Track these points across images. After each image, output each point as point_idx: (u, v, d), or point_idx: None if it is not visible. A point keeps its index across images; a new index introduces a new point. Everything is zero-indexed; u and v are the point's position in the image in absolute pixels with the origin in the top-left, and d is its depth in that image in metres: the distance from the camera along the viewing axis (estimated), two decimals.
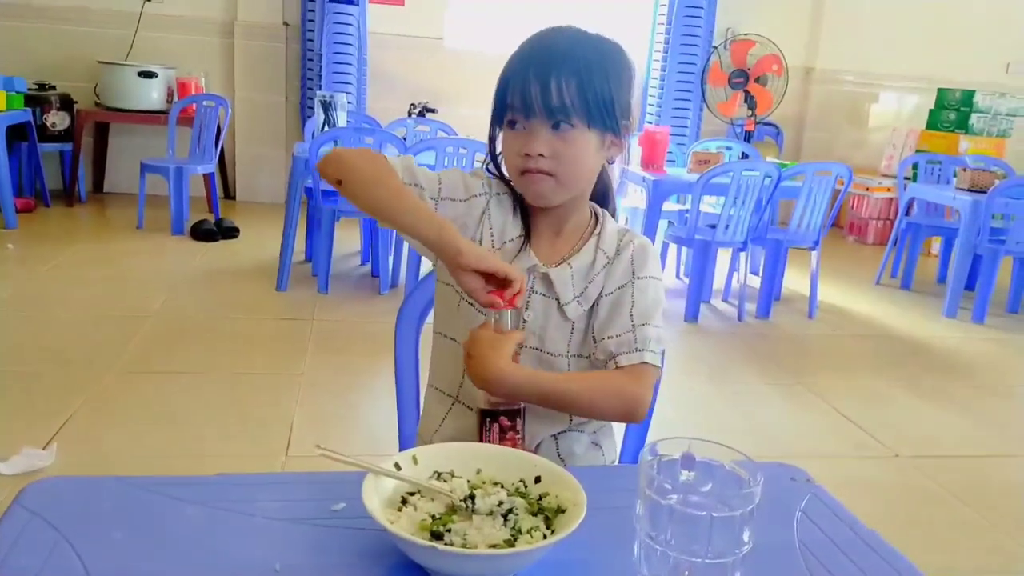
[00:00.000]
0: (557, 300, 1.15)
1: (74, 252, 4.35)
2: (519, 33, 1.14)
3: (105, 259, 4.34)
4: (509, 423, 1.04)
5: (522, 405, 1.07)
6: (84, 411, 2.54)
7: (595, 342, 1.14)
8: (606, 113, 1.08)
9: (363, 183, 1.06)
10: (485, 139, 1.19)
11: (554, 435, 1.18)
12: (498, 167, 1.19)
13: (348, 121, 4.17)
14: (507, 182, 1.18)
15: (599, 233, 1.17)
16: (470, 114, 5.24)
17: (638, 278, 1.15)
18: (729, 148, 4.99)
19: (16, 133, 4.91)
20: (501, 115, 1.11)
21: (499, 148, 1.16)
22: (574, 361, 1.17)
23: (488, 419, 1.04)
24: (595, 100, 1.06)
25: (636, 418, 1.10)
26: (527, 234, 1.16)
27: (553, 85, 1.04)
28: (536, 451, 1.16)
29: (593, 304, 1.15)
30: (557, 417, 1.17)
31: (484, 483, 0.85)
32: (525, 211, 1.18)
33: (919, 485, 2.55)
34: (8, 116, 4.63)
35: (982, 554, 2.21)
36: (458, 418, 1.20)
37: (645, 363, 1.10)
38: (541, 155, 1.07)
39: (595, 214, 1.20)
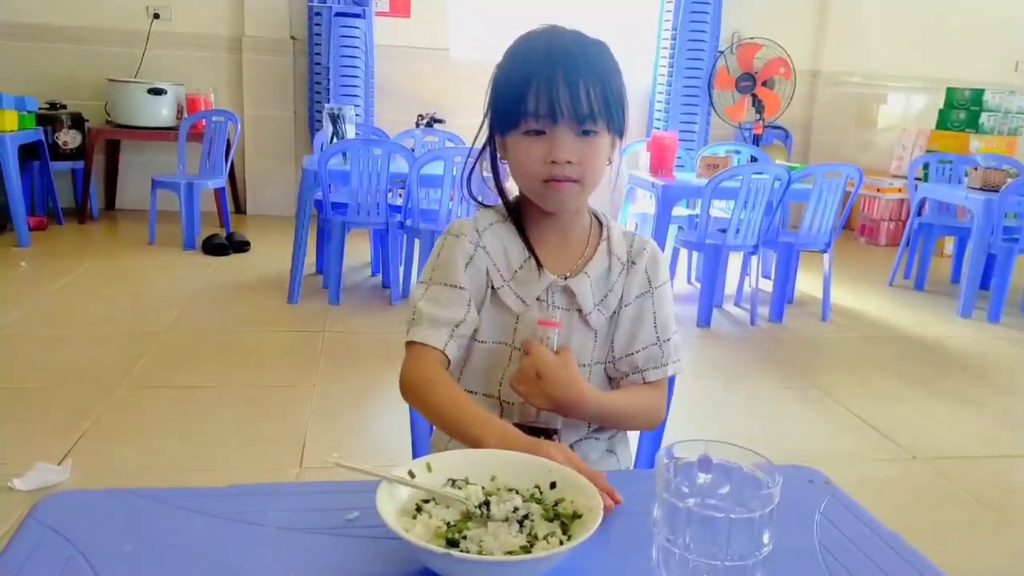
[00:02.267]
0: (579, 311, 1.14)
1: (87, 269, 4.38)
2: None
3: (118, 275, 4.36)
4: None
5: (560, 425, 1.09)
6: (98, 426, 2.55)
7: (616, 353, 1.15)
8: (622, 115, 1.08)
9: (428, 414, 1.10)
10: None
11: (571, 444, 1.18)
12: (499, 183, 1.17)
13: (356, 133, 4.18)
14: (503, 203, 1.17)
15: (607, 238, 1.17)
16: (477, 124, 5.26)
17: (656, 288, 1.16)
18: (738, 152, 4.98)
19: (28, 152, 4.95)
20: (512, 122, 1.07)
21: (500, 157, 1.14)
22: (596, 369, 1.16)
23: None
24: (616, 103, 1.07)
25: (655, 427, 1.19)
26: (532, 251, 1.15)
27: (582, 91, 1.03)
28: None
29: (613, 312, 1.15)
30: (576, 425, 1.16)
31: (499, 489, 0.85)
32: (521, 226, 1.16)
33: (936, 486, 2.53)
34: (20, 135, 4.68)
35: (1001, 555, 2.18)
36: None
37: (665, 378, 1.16)
38: (569, 162, 1.05)
39: (596, 217, 1.20)
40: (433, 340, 1.09)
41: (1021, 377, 3.65)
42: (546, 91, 1.03)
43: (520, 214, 1.17)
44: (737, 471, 0.73)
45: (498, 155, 1.15)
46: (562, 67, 1.03)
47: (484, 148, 1.16)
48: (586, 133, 1.05)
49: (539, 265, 1.14)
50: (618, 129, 1.09)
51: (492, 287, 1.14)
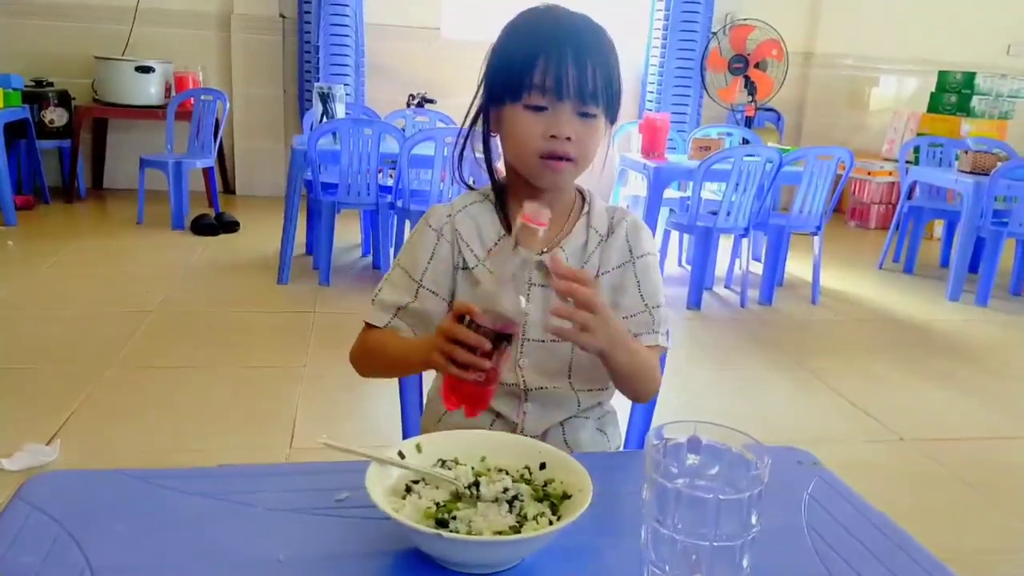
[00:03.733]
0: None
1: (74, 248, 4.35)
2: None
3: (106, 255, 4.34)
4: (507, 347, 0.94)
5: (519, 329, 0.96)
6: (87, 407, 2.54)
7: None
8: (618, 103, 1.09)
9: (371, 368, 1.18)
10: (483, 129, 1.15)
11: (560, 422, 1.18)
12: (489, 163, 1.16)
13: (346, 113, 4.15)
14: (491, 182, 1.17)
15: (588, 212, 1.17)
16: (468, 104, 5.23)
17: (637, 257, 1.16)
18: (730, 134, 4.97)
19: (14, 130, 4.90)
20: (514, 93, 1.06)
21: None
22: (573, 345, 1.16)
23: (504, 342, 0.92)
24: (615, 88, 1.07)
25: (652, 395, 1.16)
26: (508, 229, 1.14)
27: (588, 71, 1.03)
28: (544, 439, 1.16)
29: None
30: (564, 404, 1.17)
31: (489, 470, 0.85)
32: (504, 202, 1.16)
33: (924, 468, 2.55)
34: (6, 113, 4.62)
35: (988, 536, 2.20)
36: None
37: (658, 345, 1.14)
38: (568, 139, 1.05)
39: (580, 193, 1.19)
40: (376, 320, 1.16)
41: (1008, 359, 3.67)
42: (555, 66, 1.03)
43: (504, 191, 1.17)
44: (726, 452, 0.73)
45: (491, 128, 1.14)
46: (572, 45, 1.03)
47: (475, 119, 1.15)
48: (585, 116, 1.06)
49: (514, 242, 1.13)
50: (612, 116, 1.10)
51: (466, 267, 1.14)
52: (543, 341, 1.14)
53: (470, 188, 1.21)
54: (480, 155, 1.17)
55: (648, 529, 0.71)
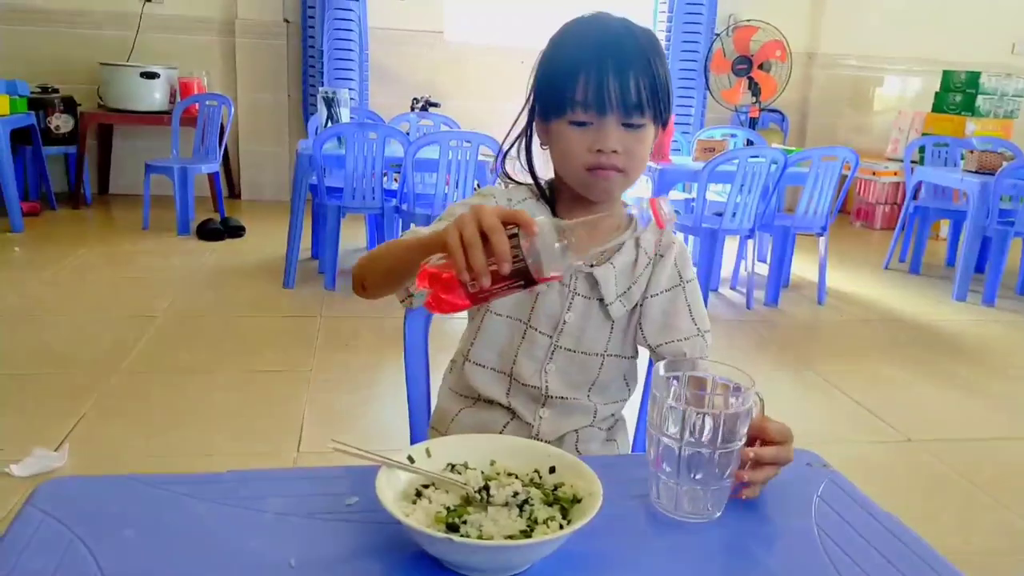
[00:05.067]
0: (600, 300, 1.13)
1: (81, 254, 4.36)
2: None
3: (112, 260, 4.35)
4: (516, 287, 0.85)
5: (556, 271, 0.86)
6: (95, 412, 2.54)
7: (652, 342, 1.15)
8: (668, 106, 1.07)
9: (375, 270, 1.06)
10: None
11: (576, 430, 1.18)
12: (531, 165, 1.15)
13: (351, 117, 4.16)
14: (535, 184, 1.16)
15: (636, 231, 1.14)
16: (473, 107, 5.23)
17: (687, 282, 1.17)
18: (734, 135, 4.97)
19: (20, 137, 4.92)
20: (558, 109, 1.05)
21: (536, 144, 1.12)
22: (608, 361, 1.16)
23: (520, 280, 0.83)
24: (663, 96, 1.05)
25: None
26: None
27: (632, 83, 1.02)
28: (558, 445, 1.16)
29: (636, 304, 1.15)
30: (582, 413, 1.17)
31: (498, 474, 0.85)
32: (553, 206, 1.15)
33: (931, 469, 2.54)
34: (12, 120, 4.64)
35: (995, 536, 2.20)
36: (481, 408, 1.20)
37: None
38: (615, 151, 1.04)
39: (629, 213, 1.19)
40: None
41: (1015, 359, 3.66)
42: (595, 82, 1.01)
43: (553, 199, 1.16)
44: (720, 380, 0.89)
45: (540, 140, 1.13)
46: (613, 58, 1.02)
47: (524, 131, 1.14)
48: (631, 126, 1.04)
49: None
50: (663, 120, 1.08)
51: None
52: (574, 351, 1.14)
53: (514, 182, 1.19)
54: (515, 159, 1.16)
55: (657, 444, 0.85)
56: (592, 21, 1.07)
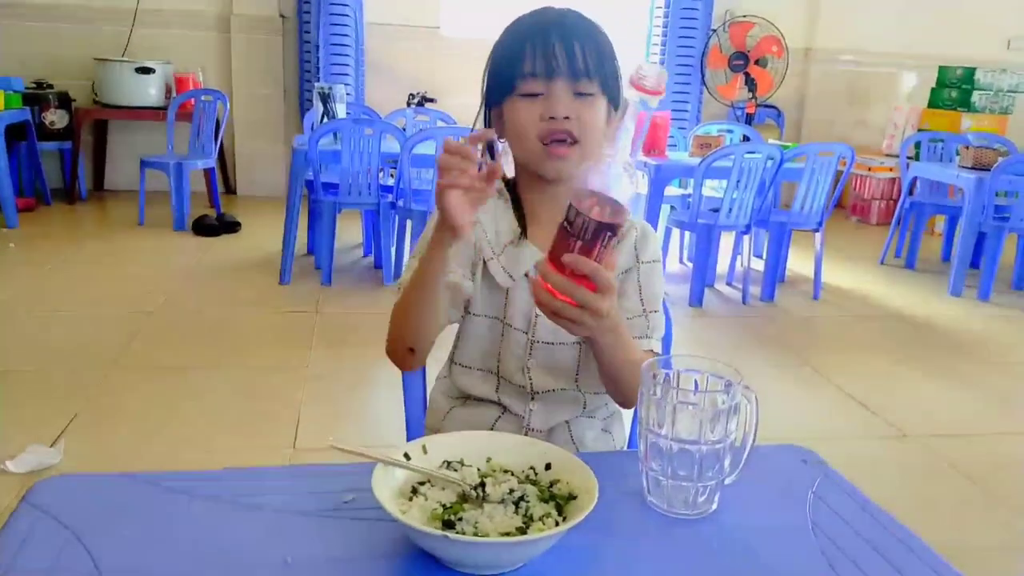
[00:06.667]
0: None
1: (76, 250, 4.35)
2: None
3: (107, 256, 4.34)
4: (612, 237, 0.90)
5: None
6: (90, 408, 2.54)
7: None
8: (616, 82, 1.08)
9: (407, 319, 1.11)
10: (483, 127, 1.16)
11: (567, 421, 1.18)
12: (492, 151, 1.16)
13: (347, 112, 4.15)
14: (502, 179, 1.16)
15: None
16: (469, 103, 5.22)
17: (642, 263, 1.16)
18: (730, 131, 4.97)
19: (15, 132, 4.90)
20: (508, 86, 1.07)
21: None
22: (585, 347, 1.16)
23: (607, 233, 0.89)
24: (610, 67, 1.07)
25: (635, 401, 1.09)
26: (523, 227, 1.14)
27: (577, 48, 1.04)
28: (549, 437, 1.16)
29: None
30: (571, 404, 1.17)
31: (494, 471, 0.85)
32: (517, 200, 1.16)
33: (926, 464, 2.55)
34: (7, 115, 4.63)
35: (990, 532, 2.20)
36: (471, 406, 1.20)
37: (651, 350, 1.13)
38: (567, 118, 1.05)
39: None
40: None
41: (1010, 355, 3.67)
42: (542, 49, 1.04)
43: (516, 189, 1.17)
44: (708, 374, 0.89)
45: (496, 131, 1.13)
46: (557, 27, 1.05)
47: (481, 122, 1.15)
48: (581, 95, 1.05)
49: (525, 241, 1.13)
50: (613, 96, 1.08)
51: (483, 259, 1.14)
52: (552, 343, 1.15)
53: None
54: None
55: (646, 440, 0.85)
56: (537, 10, 1.10)
